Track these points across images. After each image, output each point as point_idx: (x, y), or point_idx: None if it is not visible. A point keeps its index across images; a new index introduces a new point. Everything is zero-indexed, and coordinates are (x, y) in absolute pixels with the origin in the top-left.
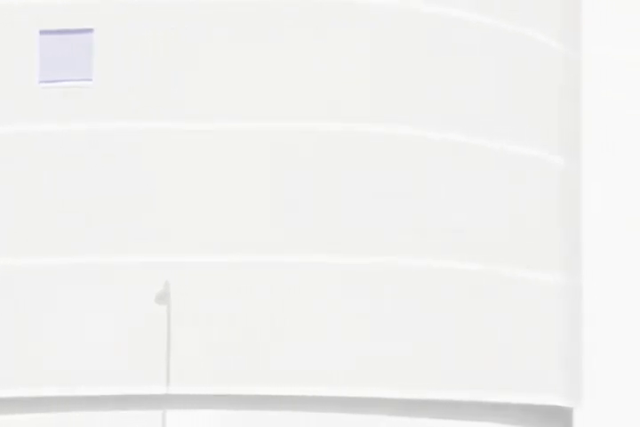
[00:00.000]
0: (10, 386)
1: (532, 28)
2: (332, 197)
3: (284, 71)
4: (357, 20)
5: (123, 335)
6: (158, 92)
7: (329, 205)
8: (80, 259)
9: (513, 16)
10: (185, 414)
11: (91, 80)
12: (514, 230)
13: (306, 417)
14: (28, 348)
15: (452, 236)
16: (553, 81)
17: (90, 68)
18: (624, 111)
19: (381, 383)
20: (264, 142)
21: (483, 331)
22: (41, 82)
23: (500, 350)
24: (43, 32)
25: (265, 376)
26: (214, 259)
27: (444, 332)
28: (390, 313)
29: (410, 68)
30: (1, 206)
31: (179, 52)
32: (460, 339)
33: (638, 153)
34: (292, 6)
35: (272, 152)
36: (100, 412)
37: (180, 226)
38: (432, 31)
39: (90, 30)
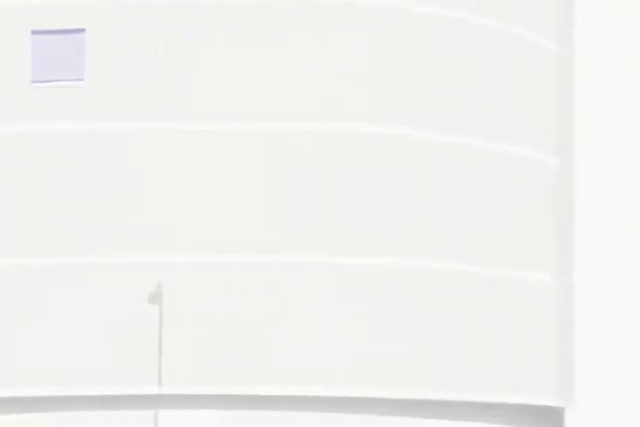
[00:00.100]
0: (1, 386)
1: (528, 28)
2: (332, 197)
3: (284, 71)
4: (357, 20)
5: (115, 335)
6: (153, 92)
7: (329, 205)
8: (75, 259)
9: (509, 17)
10: (177, 415)
11: (83, 80)
12: (511, 231)
13: (300, 417)
14: (18, 348)
15: (452, 236)
16: (548, 81)
17: (82, 68)
18: (617, 112)
19: (377, 383)
20: (264, 142)
21: (475, 331)
22: (33, 82)
23: (492, 351)
24: (35, 32)
25: (258, 376)
26: (213, 259)
27: (437, 332)
28: (390, 313)
29: (409, 68)
30: None
31: (174, 51)
32: (454, 339)
33: (632, 154)
34: (292, 6)
35: (272, 152)
36: (91, 412)
37: (178, 226)
38: (432, 31)
39: (82, 30)
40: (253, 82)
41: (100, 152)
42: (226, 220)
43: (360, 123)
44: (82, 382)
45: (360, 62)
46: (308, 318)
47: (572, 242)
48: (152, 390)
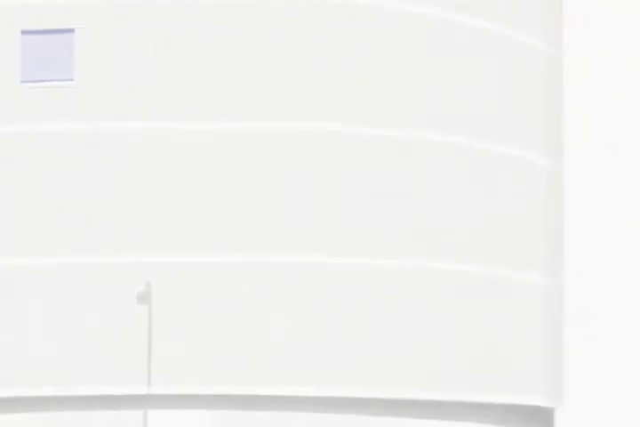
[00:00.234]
0: None
1: (525, 31)
2: (332, 197)
3: (283, 71)
4: (357, 20)
5: (106, 335)
6: (144, 92)
7: (329, 205)
8: (72, 259)
9: (508, 19)
10: (166, 414)
11: (72, 80)
12: (511, 231)
13: (289, 417)
14: (4, 348)
15: (451, 236)
16: (540, 83)
17: (72, 68)
18: (608, 113)
19: (371, 384)
20: (264, 142)
21: (465, 332)
22: (23, 82)
23: (482, 351)
24: (25, 32)
25: (251, 376)
26: (213, 259)
27: (434, 333)
28: (389, 313)
29: (408, 68)
30: None
31: (164, 51)
32: (446, 340)
33: (620, 155)
34: (292, 6)
35: (272, 152)
36: (80, 412)
37: (177, 226)
38: (431, 32)
39: (72, 30)
40: (253, 82)
41: (95, 152)
42: (226, 220)
43: (360, 123)
44: (70, 382)
45: (360, 62)
46: (307, 318)
47: (561, 242)
48: (141, 389)
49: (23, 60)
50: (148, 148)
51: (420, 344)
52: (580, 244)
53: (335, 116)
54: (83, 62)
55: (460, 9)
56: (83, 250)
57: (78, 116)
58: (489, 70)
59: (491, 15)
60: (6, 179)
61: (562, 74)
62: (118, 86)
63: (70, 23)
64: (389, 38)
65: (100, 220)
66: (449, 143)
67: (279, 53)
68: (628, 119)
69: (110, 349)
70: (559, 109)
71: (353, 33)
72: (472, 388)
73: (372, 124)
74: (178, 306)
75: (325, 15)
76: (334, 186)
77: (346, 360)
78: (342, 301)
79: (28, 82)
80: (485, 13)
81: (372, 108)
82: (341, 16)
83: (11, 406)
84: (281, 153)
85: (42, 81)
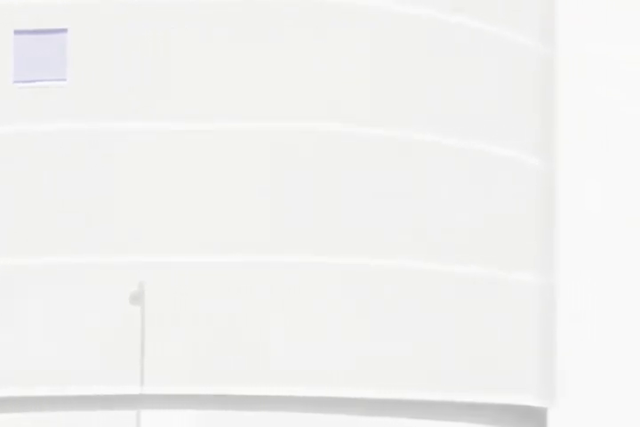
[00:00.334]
0: None
1: (522, 31)
2: (332, 197)
3: (283, 71)
4: (357, 20)
5: (100, 335)
6: (139, 92)
7: (329, 205)
8: (71, 259)
9: (506, 20)
10: (159, 415)
11: (65, 80)
12: (509, 232)
13: (281, 417)
14: (1, 348)
15: (451, 236)
16: (538, 83)
17: (64, 68)
18: (602, 113)
19: (362, 384)
20: (264, 142)
21: (459, 332)
22: (16, 82)
23: (474, 351)
24: (17, 32)
25: (247, 376)
26: (213, 259)
27: (432, 333)
28: (389, 314)
29: (408, 68)
30: None
31: (159, 51)
32: (442, 340)
33: (613, 154)
34: (292, 6)
35: (272, 152)
36: (72, 412)
37: (177, 226)
38: (430, 33)
39: (64, 30)
40: (253, 82)
41: (94, 152)
42: (226, 220)
43: (360, 123)
44: (63, 382)
45: (360, 63)
46: (307, 318)
47: (552, 242)
48: (134, 389)
49: (16, 61)
50: (146, 148)
51: (420, 344)
52: (574, 244)
53: (335, 116)
54: (75, 62)
55: (458, 10)
56: (82, 250)
57: (75, 116)
58: (488, 71)
59: (489, 16)
60: (4, 179)
61: (558, 74)
62: (114, 86)
63: (63, 23)
64: (389, 39)
65: (100, 220)
66: (449, 143)
67: (279, 53)
68: (624, 119)
69: (105, 349)
70: (555, 109)
71: (353, 33)
72: (465, 388)
73: (372, 124)
74: (178, 306)
75: (325, 15)
76: (334, 186)
77: (345, 360)
78: (342, 301)
79: (20, 82)
80: (484, 14)
81: (372, 108)
82: (341, 16)
83: (3, 406)
84: (281, 153)
85: (34, 81)
